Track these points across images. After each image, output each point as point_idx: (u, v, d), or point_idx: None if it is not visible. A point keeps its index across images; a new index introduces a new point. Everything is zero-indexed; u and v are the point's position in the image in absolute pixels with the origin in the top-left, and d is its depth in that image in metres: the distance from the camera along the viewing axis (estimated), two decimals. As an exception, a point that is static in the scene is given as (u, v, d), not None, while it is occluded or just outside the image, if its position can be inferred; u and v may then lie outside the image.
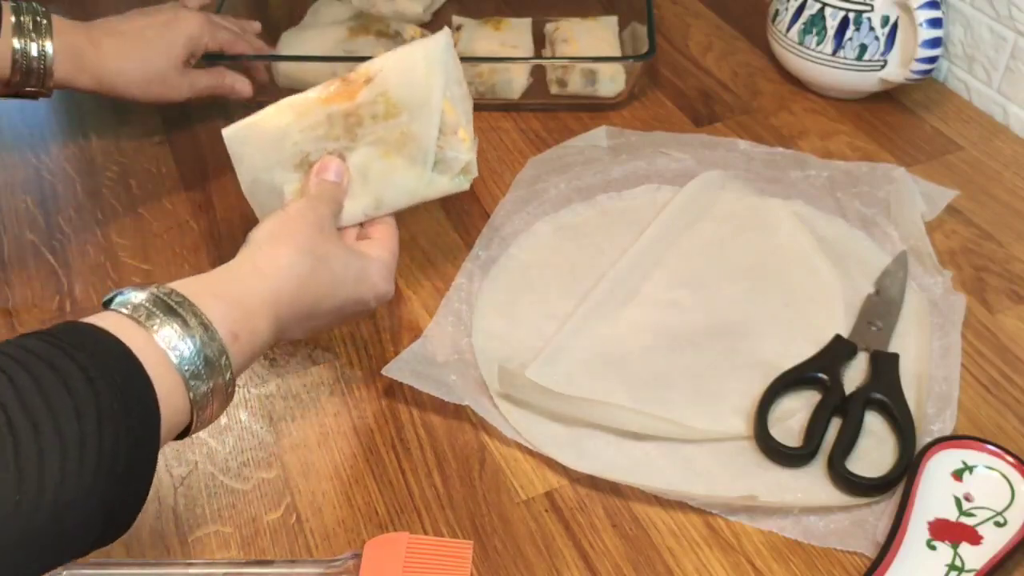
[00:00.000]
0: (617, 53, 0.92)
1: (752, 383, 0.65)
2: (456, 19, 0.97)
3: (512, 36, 0.94)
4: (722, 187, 0.81)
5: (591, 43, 0.92)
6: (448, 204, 0.79)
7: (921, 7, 0.81)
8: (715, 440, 0.63)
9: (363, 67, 0.65)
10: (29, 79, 0.75)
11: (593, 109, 0.90)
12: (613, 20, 0.97)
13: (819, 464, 0.61)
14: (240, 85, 0.86)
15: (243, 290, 0.56)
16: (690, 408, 0.65)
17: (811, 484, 0.60)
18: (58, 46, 0.75)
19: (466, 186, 0.67)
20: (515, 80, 0.89)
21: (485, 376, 0.66)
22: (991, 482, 0.59)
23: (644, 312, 0.71)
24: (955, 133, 0.88)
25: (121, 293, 0.51)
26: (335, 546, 0.58)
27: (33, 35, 0.74)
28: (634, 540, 0.58)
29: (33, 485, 0.41)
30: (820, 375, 0.65)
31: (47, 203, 0.82)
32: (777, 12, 0.91)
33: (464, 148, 0.66)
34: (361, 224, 0.67)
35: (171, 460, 0.63)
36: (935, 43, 0.82)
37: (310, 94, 0.65)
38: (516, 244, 0.77)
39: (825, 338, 0.67)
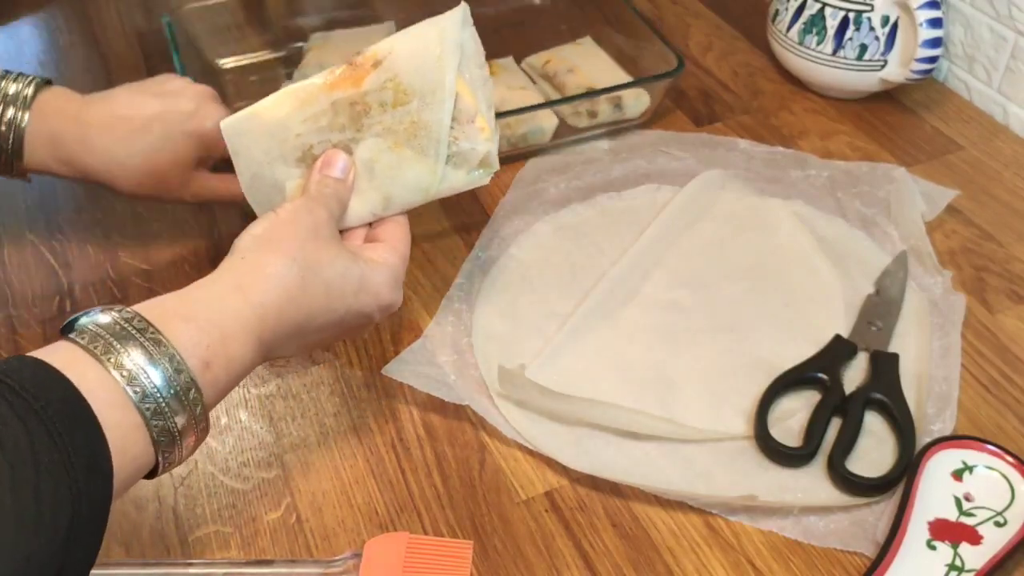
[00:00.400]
0: (619, 72, 0.89)
1: (752, 383, 0.65)
2: None
3: (513, 78, 0.89)
4: (722, 187, 0.81)
5: (595, 68, 0.89)
6: (448, 204, 0.79)
7: (921, 7, 0.81)
8: (715, 440, 0.63)
9: (371, 49, 0.59)
10: None
11: (619, 133, 0.87)
12: (589, 40, 0.94)
13: (819, 464, 0.61)
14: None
15: (220, 310, 0.50)
16: (690, 408, 0.65)
17: (811, 484, 0.60)
18: (34, 125, 0.65)
19: (485, 180, 0.61)
20: (545, 124, 0.84)
21: (485, 376, 0.66)
22: (991, 482, 0.59)
23: (644, 312, 0.71)
24: (955, 133, 0.88)
25: (86, 314, 0.47)
26: (335, 546, 0.58)
27: (9, 105, 0.65)
28: (634, 540, 0.58)
29: None
30: (820, 375, 0.65)
31: (47, 203, 0.82)
32: (777, 12, 0.91)
33: (482, 138, 0.60)
34: (370, 224, 0.62)
35: (171, 460, 0.63)
36: (935, 43, 0.82)
37: (314, 80, 0.60)
38: (516, 244, 0.77)
39: (825, 338, 0.67)
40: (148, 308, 0.48)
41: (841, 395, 0.64)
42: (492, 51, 0.75)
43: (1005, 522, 0.57)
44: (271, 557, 0.58)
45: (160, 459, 0.46)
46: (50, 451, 0.40)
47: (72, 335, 0.46)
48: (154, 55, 0.98)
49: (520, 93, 0.86)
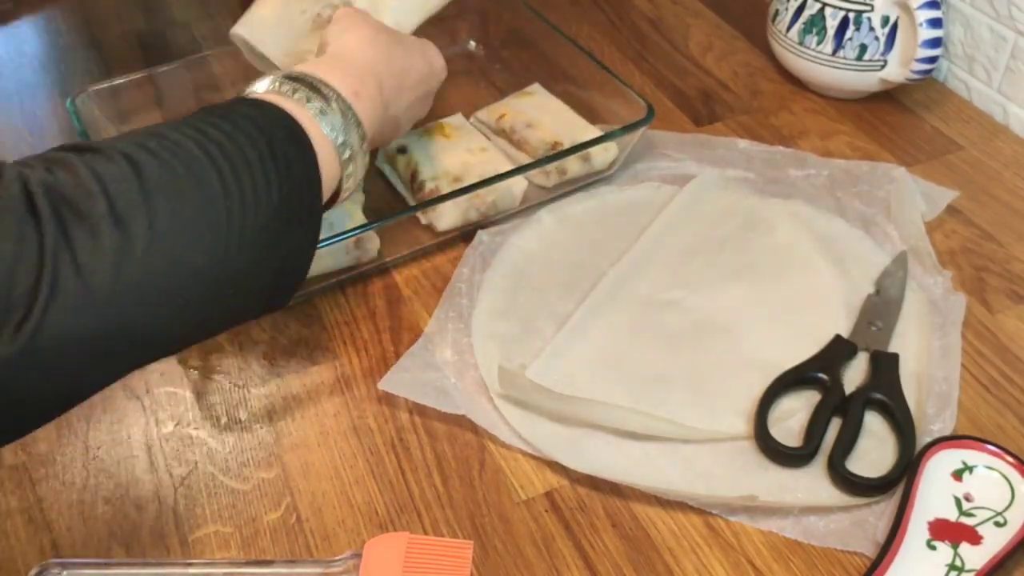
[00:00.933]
0: (580, 121, 0.82)
1: (752, 383, 0.65)
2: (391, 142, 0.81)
3: (469, 139, 0.82)
4: (722, 187, 0.81)
5: (556, 120, 0.82)
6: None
7: (921, 7, 0.81)
8: (715, 440, 0.63)
9: None
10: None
11: (588, 186, 0.81)
12: (540, 88, 0.88)
13: (819, 464, 0.61)
14: None
15: (347, 60, 0.63)
16: (690, 408, 0.65)
17: (811, 484, 0.60)
18: None
19: None
20: (515, 188, 0.78)
21: (485, 377, 0.66)
22: (991, 482, 0.59)
23: (644, 312, 0.71)
24: (955, 133, 0.88)
25: (251, 84, 0.58)
26: (335, 546, 0.58)
27: None
28: (634, 540, 0.58)
29: (236, 212, 0.48)
30: (820, 375, 0.65)
31: (47, 203, 0.82)
32: (777, 12, 0.91)
33: None
34: None
35: (171, 460, 0.63)
36: (935, 43, 0.82)
37: None
38: (518, 233, 0.77)
39: (825, 338, 0.67)
40: (300, 70, 0.59)
41: (841, 395, 0.64)
42: (437, 109, 0.78)
43: (1005, 522, 0.57)
44: (271, 557, 0.58)
45: (342, 181, 0.59)
46: (277, 158, 0.51)
47: (269, 88, 0.57)
48: (154, 55, 0.98)
49: (482, 156, 0.79)
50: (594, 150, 0.79)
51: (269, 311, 0.55)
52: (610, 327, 0.70)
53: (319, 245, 0.66)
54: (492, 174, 0.74)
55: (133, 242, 0.44)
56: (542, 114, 0.83)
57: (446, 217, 0.75)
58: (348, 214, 0.72)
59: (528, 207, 0.79)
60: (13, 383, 0.42)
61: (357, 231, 0.69)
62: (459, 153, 0.80)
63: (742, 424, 0.64)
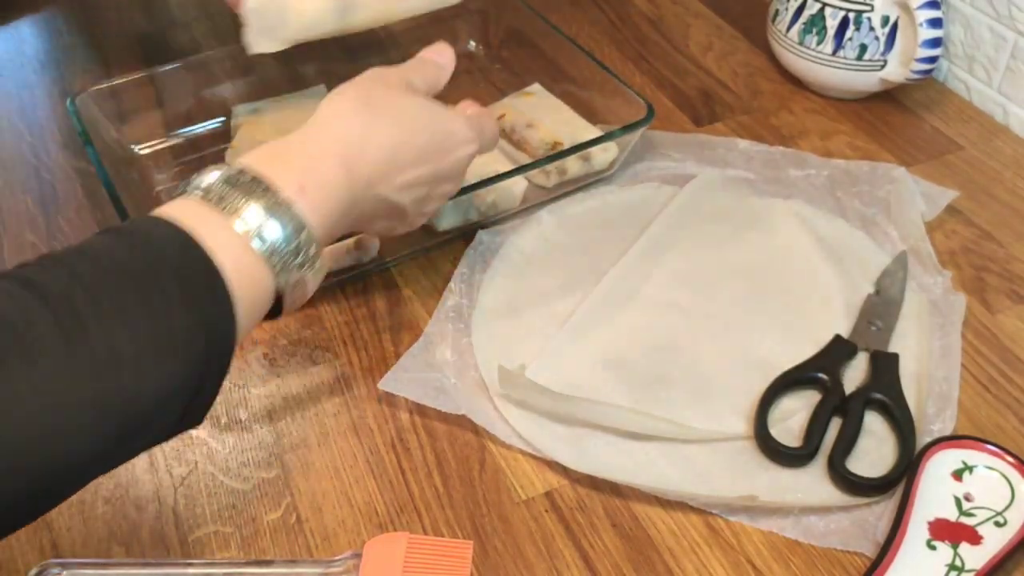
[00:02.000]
0: (581, 122, 0.82)
1: (752, 383, 0.65)
2: None
3: None
4: (722, 187, 0.81)
5: (556, 120, 0.82)
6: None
7: (921, 7, 0.81)
8: (715, 440, 0.63)
9: None
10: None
11: (588, 186, 0.82)
12: (540, 88, 0.88)
13: (819, 464, 0.61)
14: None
15: (304, 141, 0.55)
16: (690, 408, 0.65)
17: (811, 484, 0.60)
18: None
19: None
20: (515, 188, 0.78)
21: (485, 377, 0.66)
22: (991, 482, 0.59)
23: (644, 312, 0.71)
24: (955, 133, 0.88)
25: (189, 180, 0.51)
26: (335, 546, 0.58)
27: None
28: (634, 540, 0.58)
29: (112, 370, 0.41)
30: (820, 375, 0.65)
31: (47, 203, 0.82)
32: (777, 12, 0.91)
33: None
34: None
35: (171, 460, 0.63)
36: (935, 43, 0.82)
37: None
38: (518, 233, 0.77)
39: (825, 338, 0.67)
40: (242, 160, 0.52)
41: (841, 395, 0.64)
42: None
43: (1005, 522, 0.57)
44: (271, 557, 0.58)
45: (282, 284, 0.50)
46: (180, 290, 0.44)
47: (194, 193, 0.49)
48: (154, 56, 0.98)
49: (482, 156, 0.78)
50: (594, 150, 0.79)
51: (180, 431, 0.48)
52: (610, 327, 0.70)
53: None
54: (492, 174, 0.74)
55: None
56: (542, 114, 0.83)
57: (446, 217, 0.75)
58: None
59: (528, 207, 0.79)
60: None
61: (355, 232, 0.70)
62: None
63: (742, 424, 0.64)
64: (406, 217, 0.62)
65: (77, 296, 0.42)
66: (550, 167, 0.78)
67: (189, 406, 0.46)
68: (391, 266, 0.75)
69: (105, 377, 0.41)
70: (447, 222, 0.75)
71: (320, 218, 0.52)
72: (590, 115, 0.84)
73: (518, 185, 0.78)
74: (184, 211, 0.48)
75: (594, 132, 0.80)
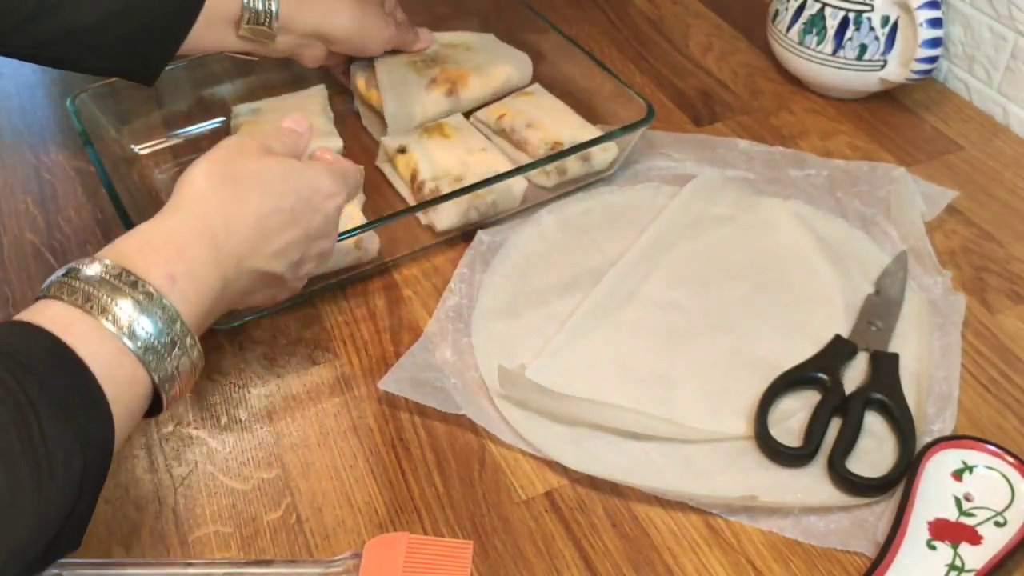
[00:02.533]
0: (580, 121, 0.82)
1: (752, 383, 0.65)
2: (390, 141, 0.82)
3: (469, 139, 0.82)
4: (722, 187, 0.81)
5: (556, 120, 0.82)
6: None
7: (921, 7, 0.81)
8: (715, 440, 0.63)
9: None
10: (258, 17, 0.75)
11: (588, 186, 0.81)
12: (539, 87, 0.88)
13: (819, 464, 0.61)
14: (425, 38, 0.87)
15: (169, 227, 0.53)
16: (690, 408, 0.65)
17: (811, 484, 0.60)
18: None
19: None
20: (515, 188, 0.77)
21: (485, 377, 0.66)
22: (991, 482, 0.59)
23: (644, 312, 0.71)
24: (955, 133, 0.88)
25: (49, 280, 0.49)
26: (335, 546, 0.58)
27: None
28: (634, 540, 0.58)
29: None
30: (820, 375, 0.65)
31: (47, 203, 0.82)
32: (777, 12, 0.91)
33: None
34: None
35: (171, 460, 0.63)
36: (935, 43, 0.82)
37: None
38: (518, 233, 0.77)
39: (825, 338, 0.67)
40: (107, 252, 0.50)
41: (841, 395, 0.64)
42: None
43: (1005, 522, 0.57)
44: (271, 557, 0.58)
45: (156, 381, 0.49)
46: (51, 405, 0.42)
47: (58, 293, 0.48)
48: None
49: (481, 156, 0.79)
50: (594, 150, 0.79)
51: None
52: (610, 327, 0.70)
53: None
54: (492, 174, 0.74)
55: None
56: (542, 114, 0.83)
57: (446, 217, 0.75)
58: (348, 214, 0.72)
59: (528, 207, 0.79)
60: None
61: (357, 231, 0.69)
62: (459, 153, 0.79)
63: (742, 424, 0.64)
64: (284, 284, 0.61)
65: None
66: (550, 167, 0.78)
67: (60, 531, 0.44)
68: (391, 266, 0.75)
69: None
70: (447, 222, 0.75)
71: (192, 307, 0.51)
72: (590, 115, 0.84)
73: (518, 185, 0.78)
74: (49, 316, 0.46)
75: (594, 132, 0.80)
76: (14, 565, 0.41)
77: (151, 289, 0.48)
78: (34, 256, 0.77)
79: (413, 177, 0.78)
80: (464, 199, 0.74)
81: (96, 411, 0.45)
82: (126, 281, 0.48)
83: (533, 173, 0.79)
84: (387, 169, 0.82)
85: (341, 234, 0.68)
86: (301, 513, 0.60)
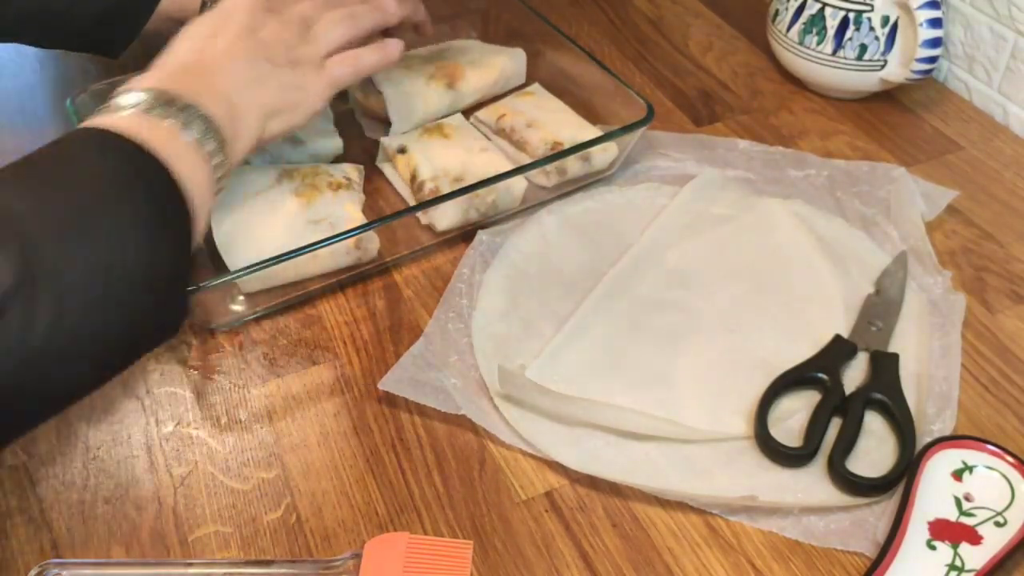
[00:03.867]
0: (580, 121, 0.82)
1: (752, 383, 0.65)
2: (390, 141, 0.82)
3: (469, 139, 0.81)
4: (722, 187, 0.81)
5: (556, 121, 0.82)
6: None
7: (921, 7, 0.81)
8: (715, 440, 0.63)
9: None
10: None
11: (588, 186, 0.81)
12: (539, 87, 0.88)
13: (819, 464, 0.61)
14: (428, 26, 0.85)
15: (208, 70, 0.65)
16: (690, 408, 0.65)
17: (811, 484, 0.60)
18: None
19: None
20: (515, 188, 0.77)
21: (485, 377, 0.66)
22: (991, 482, 0.59)
23: (644, 312, 0.71)
24: (955, 133, 0.88)
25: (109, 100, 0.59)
26: (335, 546, 0.58)
27: None
28: (634, 540, 0.58)
29: (117, 254, 0.51)
30: (820, 375, 0.65)
31: (47, 203, 0.82)
32: (777, 12, 0.91)
33: None
34: None
35: (171, 460, 0.63)
36: (935, 43, 0.82)
37: None
38: (518, 233, 0.77)
39: (825, 338, 0.67)
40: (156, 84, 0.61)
41: (841, 395, 0.64)
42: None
43: (1005, 522, 0.57)
44: (271, 557, 0.58)
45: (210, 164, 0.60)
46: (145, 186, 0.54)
47: (119, 109, 0.58)
48: (155, 55, 0.97)
49: (482, 156, 0.79)
50: (594, 150, 0.79)
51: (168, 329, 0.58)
52: (610, 327, 0.70)
53: (319, 246, 0.67)
54: (492, 174, 0.74)
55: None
56: (542, 114, 0.83)
57: (446, 217, 0.75)
58: (348, 214, 0.72)
59: (528, 207, 0.79)
60: None
61: (357, 231, 0.69)
62: (459, 153, 0.79)
63: (742, 424, 0.64)
64: (294, 75, 0.68)
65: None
66: (550, 167, 0.78)
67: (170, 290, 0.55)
68: (391, 266, 0.75)
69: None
70: (447, 222, 0.75)
71: (232, 130, 0.62)
72: (590, 115, 0.84)
73: (518, 185, 0.78)
74: (132, 126, 0.56)
75: (594, 132, 0.80)
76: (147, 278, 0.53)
77: (206, 112, 0.60)
78: (34, 256, 0.77)
79: (413, 177, 0.78)
80: (464, 199, 0.74)
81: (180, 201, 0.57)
82: (183, 101, 0.59)
83: (533, 173, 0.79)
84: (387, 169, 0.82)
85: (341, 234, 0.68)
86: (301, 513, 0.60)
